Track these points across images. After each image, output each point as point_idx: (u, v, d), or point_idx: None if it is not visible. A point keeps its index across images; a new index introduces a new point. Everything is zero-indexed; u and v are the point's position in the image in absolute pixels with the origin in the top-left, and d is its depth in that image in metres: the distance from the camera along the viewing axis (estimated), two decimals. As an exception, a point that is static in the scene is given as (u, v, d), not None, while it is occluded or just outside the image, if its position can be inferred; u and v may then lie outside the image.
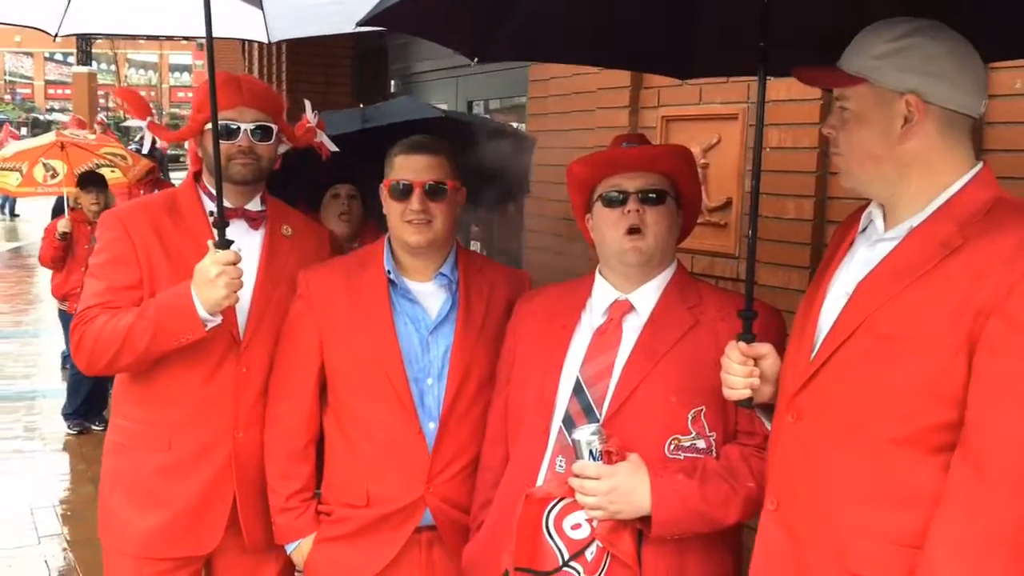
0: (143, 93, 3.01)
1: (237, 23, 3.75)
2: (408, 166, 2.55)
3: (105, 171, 7.70)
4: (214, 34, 2.65)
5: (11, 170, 8.02)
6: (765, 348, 2.04)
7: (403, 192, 2.53)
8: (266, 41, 3.65)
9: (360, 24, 2.12)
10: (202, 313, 2.46)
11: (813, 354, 1.88)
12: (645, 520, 2.14)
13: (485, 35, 2.48)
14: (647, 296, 2.34)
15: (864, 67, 1.82)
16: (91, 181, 7.23)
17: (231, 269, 2.44)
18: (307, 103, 2.98)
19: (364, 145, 3.54)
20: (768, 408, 2.09)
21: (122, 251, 2.63)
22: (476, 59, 2.55)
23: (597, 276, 2.43)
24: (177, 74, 50.19)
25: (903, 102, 1.79)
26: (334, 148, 3.06)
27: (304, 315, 2.61)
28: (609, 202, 2.32)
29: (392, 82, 8.11)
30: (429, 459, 2.51)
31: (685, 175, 2.37)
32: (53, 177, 7.91)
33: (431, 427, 2.52)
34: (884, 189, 1.86)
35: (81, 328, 2.58)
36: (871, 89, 1.82)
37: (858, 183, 1.90)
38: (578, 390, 2.29)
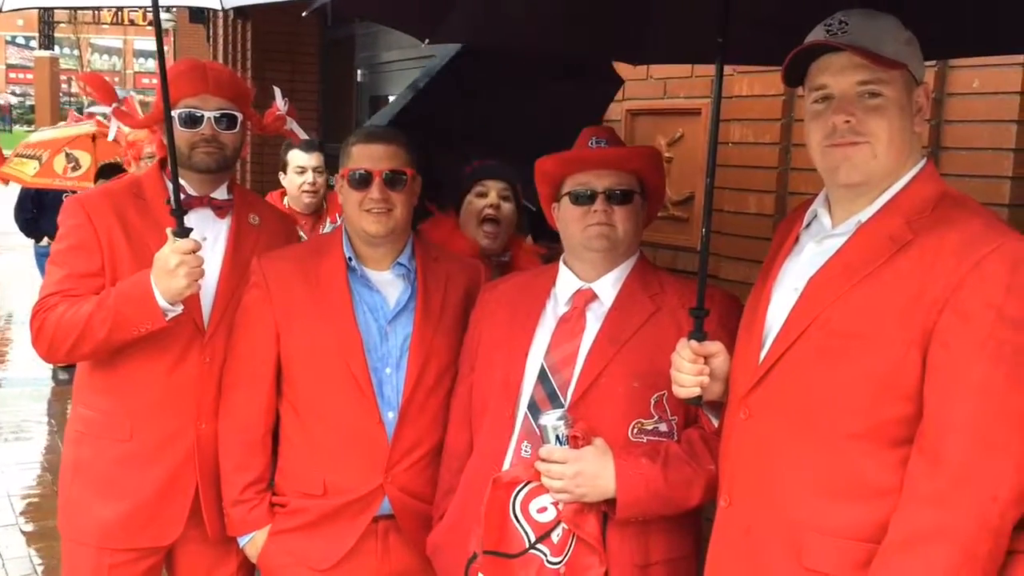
0: (107, 79, 2.97)
1: (191, -9, 3.69)
2: (366, 155, 2.55)
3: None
4: (170, 1, 2.61)
5: (31, 158, 7.49)
6: (715, 347, 2.05)
7: (362, 181, 2.52)
8: (219, 8, 3.58)
9: (311, 9, 2.11)
10: (162, 303, 2.44)
11: (764, 351, 1.89)
12: (610, 503, 2.18)
13: (435, 16, 2.48)
14: (610, 285, 2.37)
15: (900, 53, 1.81)
16: (113, 172, 6.58)
17: (191, 258, 2.42)
18: (276, 90, 2.96)
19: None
20: (717, 406, 2.12)
21: (83, 238, 2.60)
22: (426, 41, 2.55)
23: (561, 266, 2.45)
24: (142, 60, 49.57)
25: (921, 90, 1.83)
26: (304, 136, 3.05)
27: (259, 303, 2.59)
28: (577, 199, 2.34)
29: (359, 71, 8.08)
30: (388, 449, 2.51)
31: (651, 172, 2.41)
32: (74, 169, 7.35)
33: (390, 416, 2.53)
34: (889, 179, 1.84)
35: (41, 316, 2.55)
36: (904, 76, 1.82)
37: (877, 172, 1.83)
38: (543, 377, 2.31)
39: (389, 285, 2.61)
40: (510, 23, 2.62)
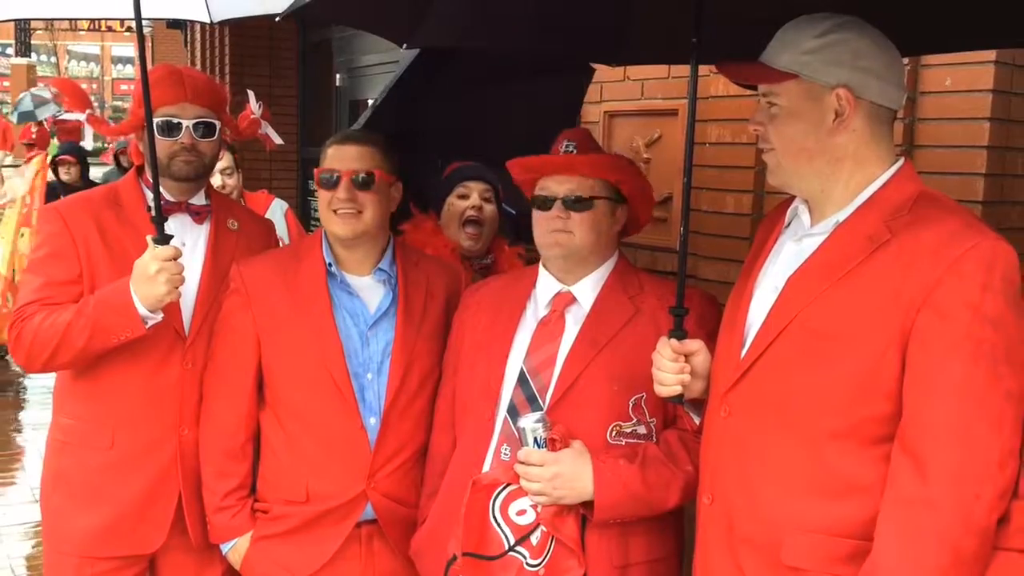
0: (84, 86, 2.96)
1: (178, 3, 3.67)
2: (337, 156, 2.54)
3: None
4: (156, 14, 2.61)
5: None
6: (696, 344, 2.06)
7: (330, 182, 2.52)
8: (208, 21, 3.57)
9: (285, 14, 2.12)
10: (142, 311, 2.42)
11: (744, 350, 1.90)
12: (588, 505, 2.18)
13: (412, 20, 2.49)
14: (588, 288, 2.38)
15: (794, 63, 1.84)
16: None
17: (171, 265, 2.41)
18: (250, 93, 2.95)
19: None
20: (698, 403, 2.13)
21: (61, 245, 2.59)
22: (404, 45, 2.54)
23: (540, 269, 2.46)
24: (120, 66, 49.17)
25: (834, 96, 1.82)
26: (279, 140, 3.03)
27: (239, 309, 2.58)
28: (539, 204, 2.36)
29: (337, 75, 8.07)
30: (371, 454, 2.51)
31: (623, 177, 2.39)
32: None
33: (372, 422, 2.52)
34: (815, 184, 1.88)
35: (19, 325, 2.53)
36: (801, 85, 1.84)
37: (789, 179, 1.91)
38: (522, 380, 2.32)
39: (369, 290, 2.60)
40: (487, 26, 2.62)
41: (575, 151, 2.36)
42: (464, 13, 2.54)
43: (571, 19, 2.54)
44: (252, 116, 2.91)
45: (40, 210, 2.73)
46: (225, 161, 4.43)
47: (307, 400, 2.53)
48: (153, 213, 2.47)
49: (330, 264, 2.57)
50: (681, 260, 2.19)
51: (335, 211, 2.51)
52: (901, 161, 1.88)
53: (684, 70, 3.44)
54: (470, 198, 3.12)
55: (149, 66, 2.57)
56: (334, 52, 8.12)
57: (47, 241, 2.63)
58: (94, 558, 2.64)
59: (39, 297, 2.56)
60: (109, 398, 2.63)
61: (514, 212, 3.23)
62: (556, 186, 2.34)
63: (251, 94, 2.93)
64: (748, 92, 3.39)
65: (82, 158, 9.00)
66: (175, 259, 2.42)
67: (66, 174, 8.64)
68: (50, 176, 8.90)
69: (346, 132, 2.62)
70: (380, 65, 7.07)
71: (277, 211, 4.72)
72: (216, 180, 4.37)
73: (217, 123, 2.71)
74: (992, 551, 1.64)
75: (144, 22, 2.64)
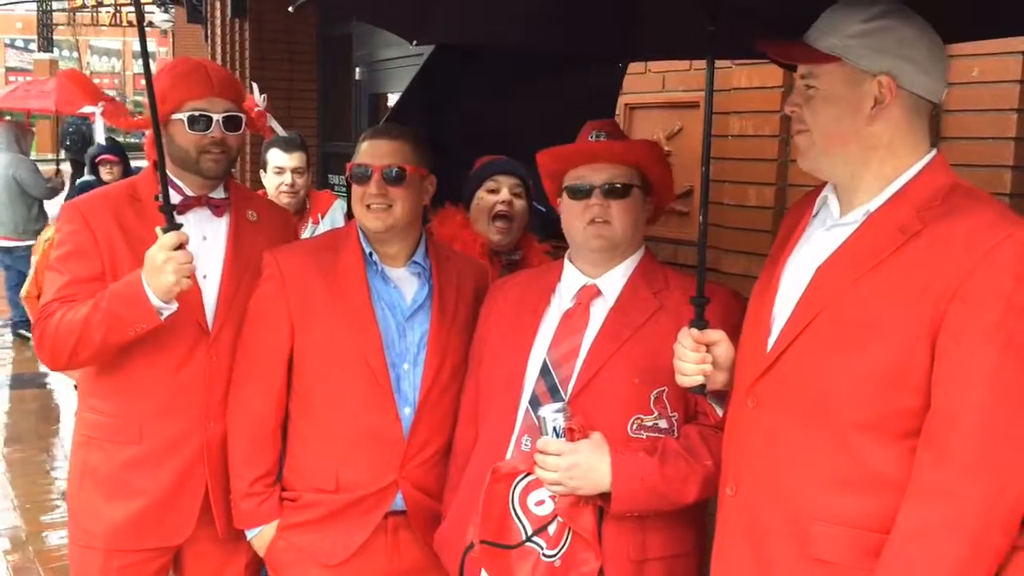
0: (106, 80, 2.97)
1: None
2: (369, 151, 2.55)
3: None
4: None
5: None
6: (717, 335, 2.05)
7: (362, 176, 2.53)
8: None
9: (298, 4, 2.12)
10: (155, 301, 2.41)
11: (772, 340, 1.88)
12: (606, 497, 2.18)
13: (422, 16, 2.47)
14: (614, 281, 2.37)
15: (838, 46, 1.81)
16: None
17: (178, 254, 2.39)
18: (253, 85, 2.93)
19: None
20: (720, 395, 2.11)
21: (83, 243, 2.59)
22: (414, 42, 2.53)
23: (566, 262, 2.46)
24: (141, 61, 49.44)
25: (875, 83, 1.80)
26: (281, 132, 3.02)
27: (274, 297, 2.57)
28: (574, 193, 2.34)
29: (357, 69, 8.08)
30: (404, 444, 2.52)
31: (652, 164, 2.40)
32: None
33: (407, 412, 2.53)
34: (845, 170, 1.86)
35: (42, 324, 2.54)
36: (843, 68, 1.81)
37: (819, 162, 1.88)
38: (545, 371, 2.32)
39: (404, 282, 2.61)
40: (496, 22, 2.61)
41: (606, 139, 2.36)
42: (471, 10, 2.53)
43: (578, 15, 2.53)
44: (257, 108, 2.89)
45: (61, 208, 2.72)
46: (296, 160, 4.42)
47: (341, 389, 2.53)
48: (161, 203, 2.44)
49: (370, 253, 2.58)
50: (700, 249, 2.17)
51: (368, 206, 2.52)
52: (934, 152, 1.85)
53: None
54: (500, 192, 3.12)
55: (165, 61, 2.56)
56: (353, 46, 8.13)
57: (68, 239, 2.63)
58: (121, 551, 2.65)
59: (62, 295, 2.56)
60: (135, 393, 2.64)
61: (544, 209, 3.21)
62: (593, 174, 2.32)
63: (254, 86, 2.91)
64: (771, 84, 3.39)
65: (124, 157, 8.82)
66: (181, 247, 2.40)
67: (108, 174, 8.43)
68: (89, 175, 8.83)
69: (379, 127, 2.63)
70: (400, 59, 7.07)
71: (338, 210, 4.73)
72: (287, 178, 4.41)
73: (243, 116, 2.71)
74: (1012, 550, 1.61)
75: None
